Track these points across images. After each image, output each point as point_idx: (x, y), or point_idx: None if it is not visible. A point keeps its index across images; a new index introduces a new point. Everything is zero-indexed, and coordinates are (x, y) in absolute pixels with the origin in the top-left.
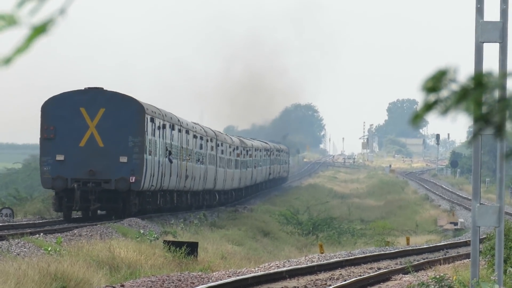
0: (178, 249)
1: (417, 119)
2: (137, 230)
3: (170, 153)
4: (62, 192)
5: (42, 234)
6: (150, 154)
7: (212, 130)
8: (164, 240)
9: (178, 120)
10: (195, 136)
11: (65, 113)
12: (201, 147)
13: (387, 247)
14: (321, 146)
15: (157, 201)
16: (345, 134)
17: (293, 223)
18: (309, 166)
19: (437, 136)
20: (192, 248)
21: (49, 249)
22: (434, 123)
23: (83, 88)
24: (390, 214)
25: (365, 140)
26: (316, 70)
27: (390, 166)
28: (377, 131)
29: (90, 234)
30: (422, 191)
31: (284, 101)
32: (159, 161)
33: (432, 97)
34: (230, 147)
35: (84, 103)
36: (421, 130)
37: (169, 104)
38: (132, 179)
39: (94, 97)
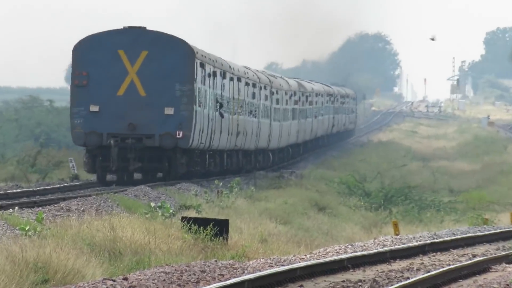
0: (202, 228)
1: None
2: (146, 202)
3: (221, 105)
4: (97, 150)
5: (16, 208)
6: (199, 106)
7: (266, 76)
8: (182, 217)
9: (230, 67)
10: (247, 84)
11: (100, 57)
12: (253, 97)
13: (485, 226)
14: (396, 89)
15: (205, 162)
16: (427, 73)
17: (358, 193)
18: (379, 116)
19: None
20: (221, 228)
21: (26, 229)
22: None
23: (121, 28)
24: (489, 182)
25: (455, 82)
26: None
27: (488, 117)
28: (471, 70)
29: (82, 208)
30: None
31: (344, 29)
32: (209, 114)
33: None
34: (286, 93)
35: (123, 44)
36: None
37: (191, 38)
38: (179, 134)
39: (135, 38)
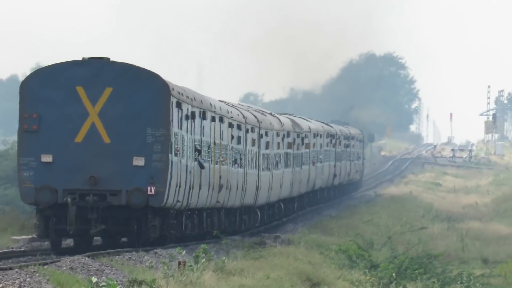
0: None
1: None
2: (86, 277)
3: (199, 152)
4: (50, 210)
5: None
6: (176, 155)
7: (253, 113)
8: None
9: (211, 104)
10: (231, 125)
11: (54, 95)
12: (238, 141)
13: None
14: (412, 128)
15: (181, 225)
16: (454, 107)
17: (363, 265)
18: (391, 164)
19: None
20: None
21: None
22: None
23: (80, 59)
24: None
25: (491, 118)
26: None
27: None
28: None
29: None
30: None
31: (345, 50)
32: (187, 165)
33: None
34: (278, 134)
35: (82, 80)
36: None
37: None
38: (151, 190)
39: (97, 71)
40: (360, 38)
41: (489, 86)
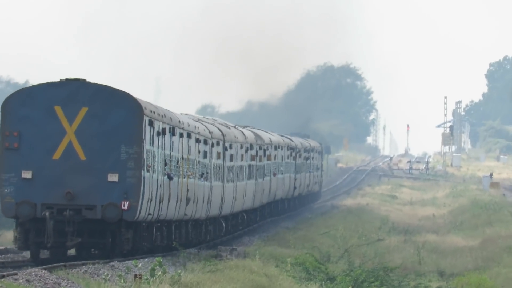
0: None
1: None
2: None
3: (165, 164)
4: (30, 223)
5: None
6: (148, 171)
7: (218, 127)
8: None
9: (179, 121)
10: (197, 141)
11: (34, 114)
12: (205, 156)
13: None
14: (369, 140)
15: (152, 236)
16: (411, 119)
17: (319, 278)
18: (347, 176)
19: None
20: None
21: None
22: None
23: (58, 80)
24: (492, 262)
25: (448, 129)
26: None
27: (491, 175)
28: (469, 114)
29: None
30: None
31: (302, 61)
32: (157, 180)
33: None
34: (242, 147)
35: (59, 100)
36: None
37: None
38: (124, 205)
39: (74, 92)
40: (318, 48)
41: (445, 97)
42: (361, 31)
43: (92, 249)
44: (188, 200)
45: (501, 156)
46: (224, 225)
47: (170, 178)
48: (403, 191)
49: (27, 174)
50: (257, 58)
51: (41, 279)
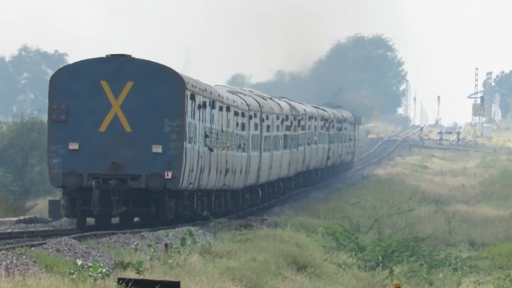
0: None
1: None
2: (72, 259)
3: (206, 136)
4: (76, 192)
5: None
6: (190, 142)
7: (255, 99)
8: (119, 278)
9: (219, 95)
10: (236, 114)
11: (80, 88)
12: (243, 128)
13: None
14: (400, 111)
15: (193, 205)
16: (442, 90)
17: (349, 248)
18: (378, 146)
19: None
20: None
21: None
22: None
23: (104, 56)
24: None
25: (478, 100)
26: None
27: None
28: (500, 85)
29: None
30: None
31: (333, 31)
32: (199, 151)
33: None
34: (278, 118)
35: (105, 75)
36: None
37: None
38: (168, 175)
39: (119, 67)
40: (348, 20)
41: (476, 69)
42: (392, 2)
43: (135, 218)
44: (227, 171)
45: None
46: (260, 193)
47: (210, 150)
48: (434, 162)
49: (74, 146)
50: (288, 28)
51: (71, 248)
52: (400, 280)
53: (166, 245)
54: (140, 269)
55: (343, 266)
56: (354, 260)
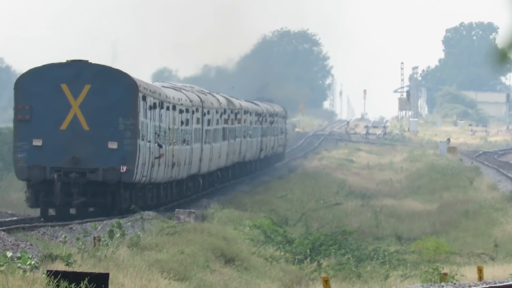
0: (74, 285)
1: (503, 57)
2: (1, 251)
3: (157, 135)
4: (39, 185)
5: None
6: (142, 140)
7: (197, 95)
8: (48, 271)
9: (166, 96)
10: (181, 111)
11: (43, 90)
12: (187, 123)
13: (442, 284)
14: (326, 104)
15: (145, 197)
16: (368, 84)
17: (277, 241)
18: (304, 140)
19: None
20: (98, 284)
21: None
22: None
23: (64, 61)
24: (449, 227)
25: (404, 95)
26: None
27: (448, 140)
28: (426, 79)
29: None
30: (506, 185)
31: (259, 26)
32: (150, 147)
33: None
34: (217, 112)
35: (66, 78)
36: (503, 78)
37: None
38: (123, 169)
39: (78, 71)
40: (274, 14)
41: (402, 63)
42: None
43: (90, 208)
44: (173, 164)
45: (458, 121)
46: (201, 182)
47: (160, 146)
48: (360, 155)
49: (37, 142)
50: (213, 21)
51: (0, 241)
52: (328, 273)
53: (94, 238)
54: (69, 261)
55: (271, 260)
56: (282, 253)
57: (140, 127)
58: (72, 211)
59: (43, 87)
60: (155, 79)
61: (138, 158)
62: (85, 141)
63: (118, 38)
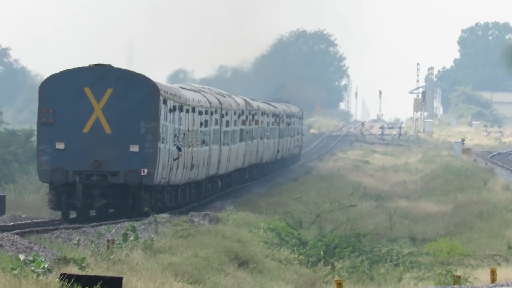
0: None
1: None
2: (14, 254)
3: (176, 138)
4: (61, 187)
5: None
6: (163, 143)
7: (216, 97)
8: (62, 274)
9: (186, 98)
10: (200, 113)
11: (66, 94)
12: (205, 124)
13: (456, 286)
14: (342, 106)
15: (164, 198)
16: (384, 85)
17: (291, 243)
18: (319, 141)
19: None
20: None
21: None
22: None
23: (87, 65)
24: (463, 228)
25: (420, 95)
26: None
27: (463, 141)
28: (441, 80)
29: None
30: None
31: (274, 27)
32: (169, 150)
33: None
34: (235, 113)
35: (89, 82)
36: None
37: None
38: (144, 172)
39: (101, 75)
40: (291, 14)
41: (418, 64)
42: None
43: (111, 210)
44: (192, 166)
45: (473, 122)
46: (220, 183)
47: (179, 149)
48: (375, 157)
49: (60, 145)
50: (230, 22)
51: (13, 244)
52: (341, 275)
53: (108, 240)
54: (83, 264)
55: (285, 262)
56: (296, 256)
57: (160, 130)
58: (92, 213)
59: (67, 91)
60: (170, 80)
61: (159, 161)
62: (107, 144)
63: (133, 39)
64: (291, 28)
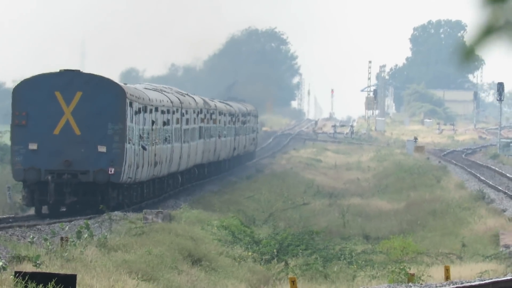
0: (42, 286)
1: (469, 55)
2: None
3: (141, 138)
4: (34, 185)
5: None
6: (129, 143)
7: (177, 96)
8: (16, 272)
9: (149, 99)
10: (162, 112)
11: (38, 97)
12: (168, 123)
13: (410, 284)
14: (294, 104)
15: (131, 195)
16: (335, 83)
17: (245, 241)
18: (272, 140)
19: (499, 86)
20: (66, 285)
21: None
22: (493, 65)
23: (58, 71)
24: (416, 226)
25: (371, 94)
26: None
27: (415, 139)
28: (394, 78)
29: None
30: (473, 184)
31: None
32: (135, 150)
33: (496, 13)
34: (194, 111)
35: (59, 86)
36: (471, 76)
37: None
38: (111, 171)
39: (70, 79)
40: (242, 12)
41: (370, 62)
42: None
43: (77, 206)
44: (155, 163)
45: (426, 120)
46: (180, 178)
47: (144, 148)
48: (328, 155)
49: (33, 146)
50: (181, 20)
51: None
52: (295, 273)
53: (61, 238)
54: (37, 262)
55: (238, 260)
56: (250, 254)
57: (127, 132)
58: (63, 208)
59: (39, 95)
60: (123, 78)
61: (126, 161)
62: (76, 145)
63: (86, 37)
64: (243, 26)
